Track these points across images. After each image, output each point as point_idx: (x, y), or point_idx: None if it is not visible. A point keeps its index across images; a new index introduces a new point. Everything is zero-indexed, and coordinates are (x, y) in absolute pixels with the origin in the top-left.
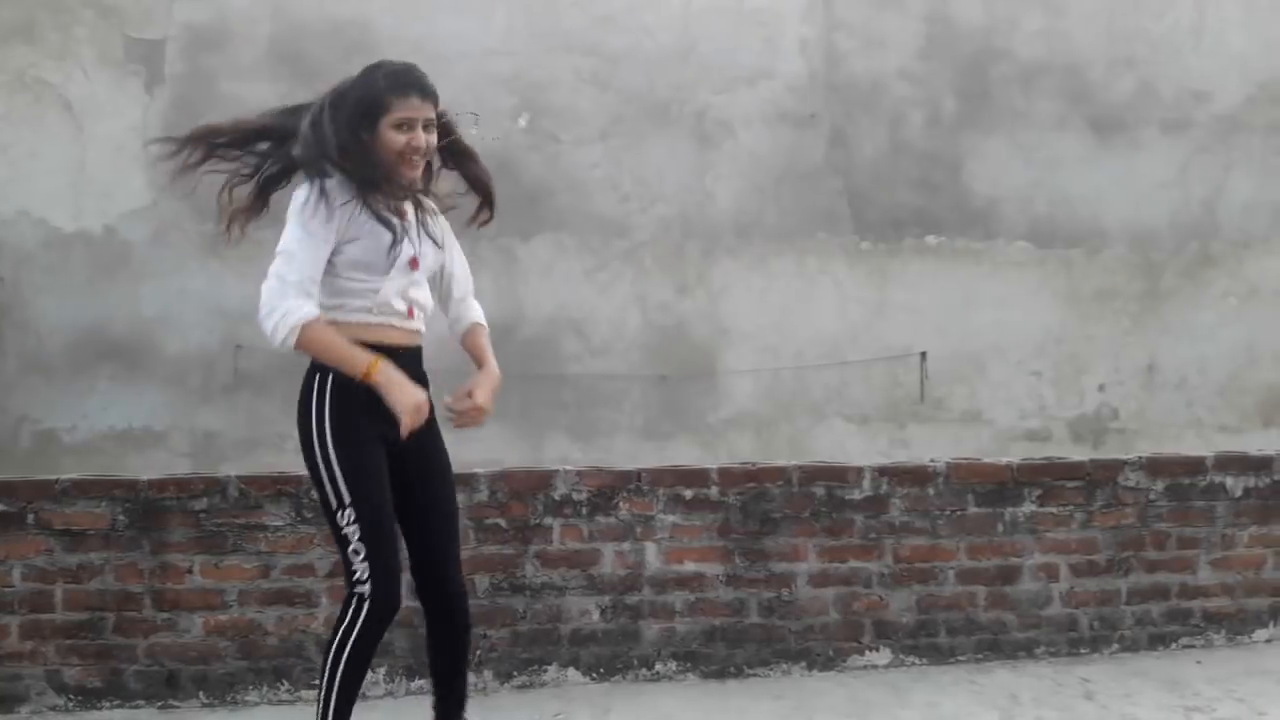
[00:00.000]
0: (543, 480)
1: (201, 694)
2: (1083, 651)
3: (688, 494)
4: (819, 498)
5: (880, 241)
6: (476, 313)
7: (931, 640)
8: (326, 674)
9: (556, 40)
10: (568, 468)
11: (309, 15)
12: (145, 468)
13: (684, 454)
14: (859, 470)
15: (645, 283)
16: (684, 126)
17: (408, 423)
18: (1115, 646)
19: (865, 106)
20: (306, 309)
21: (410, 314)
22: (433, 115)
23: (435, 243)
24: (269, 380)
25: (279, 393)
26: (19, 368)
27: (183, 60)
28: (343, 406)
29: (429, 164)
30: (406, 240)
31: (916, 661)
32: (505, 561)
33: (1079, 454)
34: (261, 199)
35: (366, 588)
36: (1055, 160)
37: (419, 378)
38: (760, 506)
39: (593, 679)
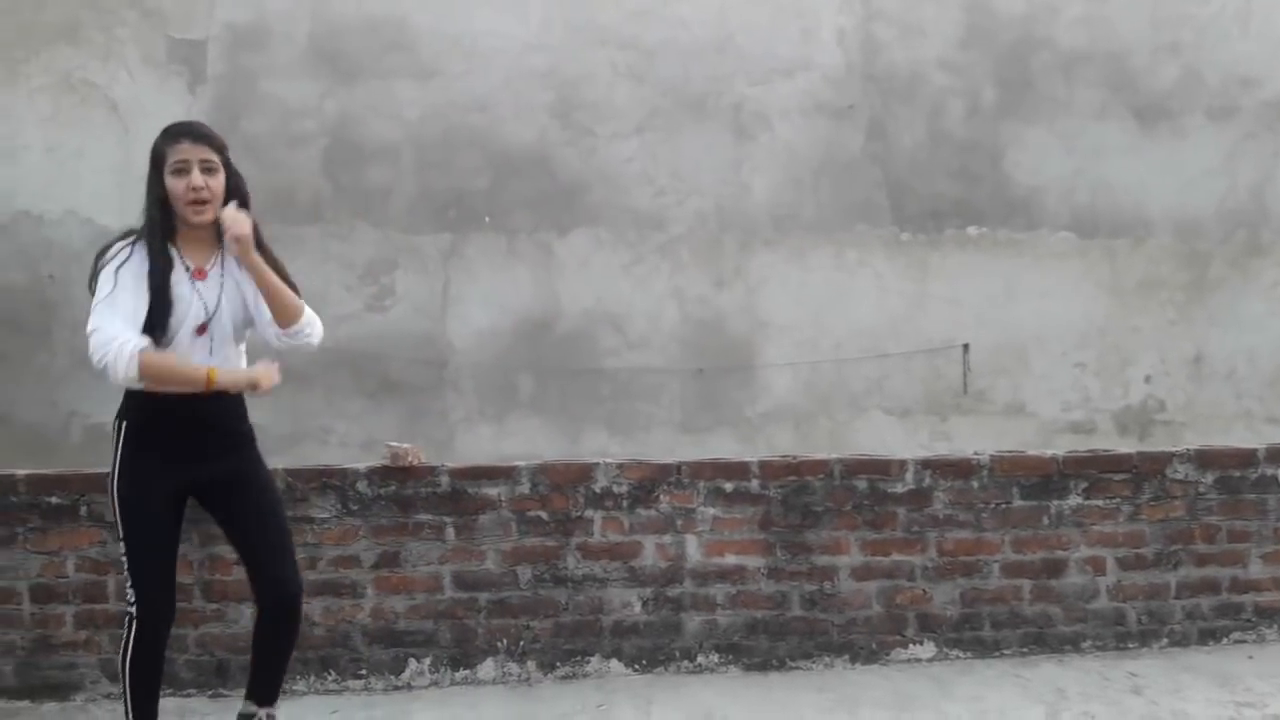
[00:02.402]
0: (583, 473)
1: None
2: (1131, 646)
3: (728, 487)
4: (861, 491)
5: (920, 233)
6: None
7: (976, 633)
8: (124, 687)
9: (592, 34)
10: (608, 460)
11: (347, 13)
12: None
13: (722, 447)
14: (902, 463)
15: (682, 276)
16: (721, 119)
17: (268, 379)
18: (1164, 641)
19: (904, 97)
20: (138, 338)
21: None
22: (212, 157)
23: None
24: (312, 375)
25: (322, 387)
26: (69, 364)
27: (224, 60)
28: (132, 453)
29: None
30: (192, 304)
31: (961, 655)
32: (547, 553)
33: (1124, 446)
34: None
35: (134, 609)
36: (1098, 149)
37: (223, 421)
38: (802, 499)
39: (635, 670)
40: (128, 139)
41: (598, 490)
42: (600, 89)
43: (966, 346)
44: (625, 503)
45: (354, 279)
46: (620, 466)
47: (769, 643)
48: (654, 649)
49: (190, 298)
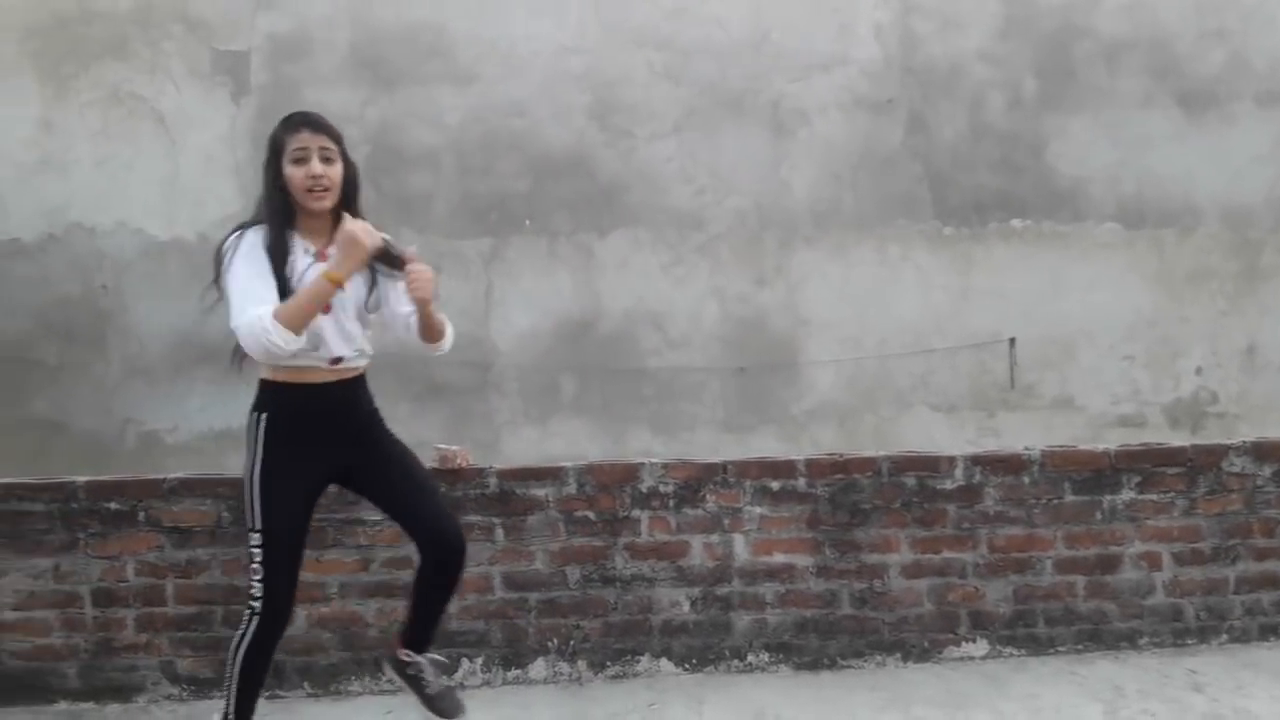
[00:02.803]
0: (629, 473)
1: (306, 684)
2: (1189, 642)
3: (775, 485)
4: (910, 488)
5: (963, 226)
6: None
7: (1030, 631)
8: (231, 674)
9: (629, 35)
10: (653, 460)
11: (387, 20)
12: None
13: (766, 446)
14: (951, 460)
15: (722, 275)
16: (758, 116)
17: (367, 244)
18: (1224, 637)
19: (944, 89)
20: (265, 306)
21: (332, 360)
22: (329, 144)
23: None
24: None
25: (371, 390)
26: (123, 372)
27: (266, 70)
28: (273, 446)
29: (353, 195)
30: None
31: (1014, 652)
32: (595, 553)
33: (1176, 439)
34: None
35: (257, 604)
36: (1143, 138)
37: (354, 405)
38: (849, 497)
39: (685, 670)
40: (174, 150)
41: (644, 490)
42: (638, 90)
43: (1013, 341)
44: (672, 502)
45: None
46: (666, 466)
47: (819, 641)
48: (704, 648)
49: (306, 275)
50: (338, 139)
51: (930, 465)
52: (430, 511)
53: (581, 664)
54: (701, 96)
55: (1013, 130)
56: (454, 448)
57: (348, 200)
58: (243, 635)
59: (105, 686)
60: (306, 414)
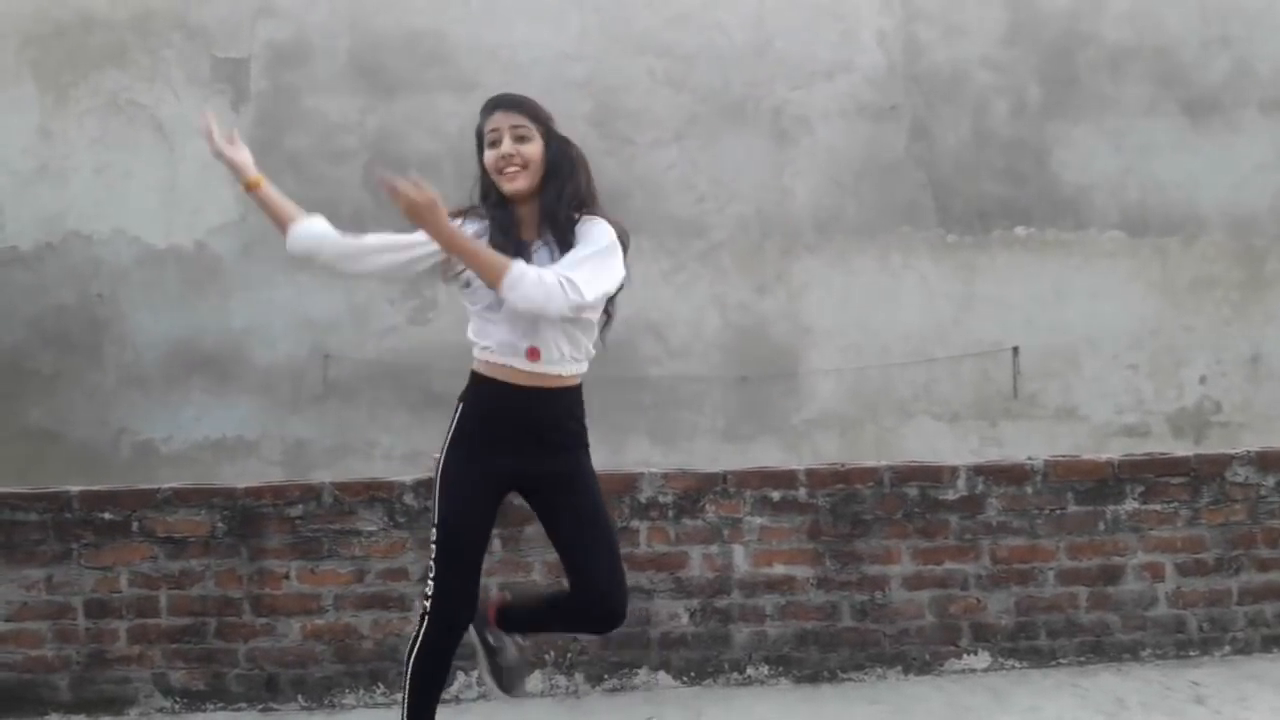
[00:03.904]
0: (628, 483)
1: (300, 697)
2: (1192, 654)
3: (775, 496)
4: (912, 498)
5: (966, 234)
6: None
7: (1032, 643)
8: (404, 679)
9: (630, 42)
10: (652, 470)
11: (386, 27)
12: (238, 476)
13: (766, 456)
14: (953, 470)
15: (723, 283)
16: (760, 124)
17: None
18: (1227, 649)
19: (947, 96)
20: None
21: (532, 356)
22: (522, 121)
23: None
24: (357, 388)
25: (367, 400)
26: (118, 381)
27: (266, 77)
28: (464, 435)
29: (559, 178)
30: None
31: (1016, 665)
32: None
33: (1180, 449)
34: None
35: (428, 604)
36: (1147, 146)
37: (554, 416)
38: (850, 508)
39: (683, 683)
40: (173, 158)
41: (643, 500)
42: (639, 97)
43: (1016, 349)
44: (671, 513)
45: (396, 293)
46: (665, 476)
47: (819, 654)
48: (702, 661)
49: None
50: (535, 115)
51: (932, 475)
52: (603, 574)
53: (579, 677)
54: (703, 103)
55: (1016, 137)
56: None
57: (555, 178)
58: (415, 638)
59: (97, 699)
60: (499, 413)
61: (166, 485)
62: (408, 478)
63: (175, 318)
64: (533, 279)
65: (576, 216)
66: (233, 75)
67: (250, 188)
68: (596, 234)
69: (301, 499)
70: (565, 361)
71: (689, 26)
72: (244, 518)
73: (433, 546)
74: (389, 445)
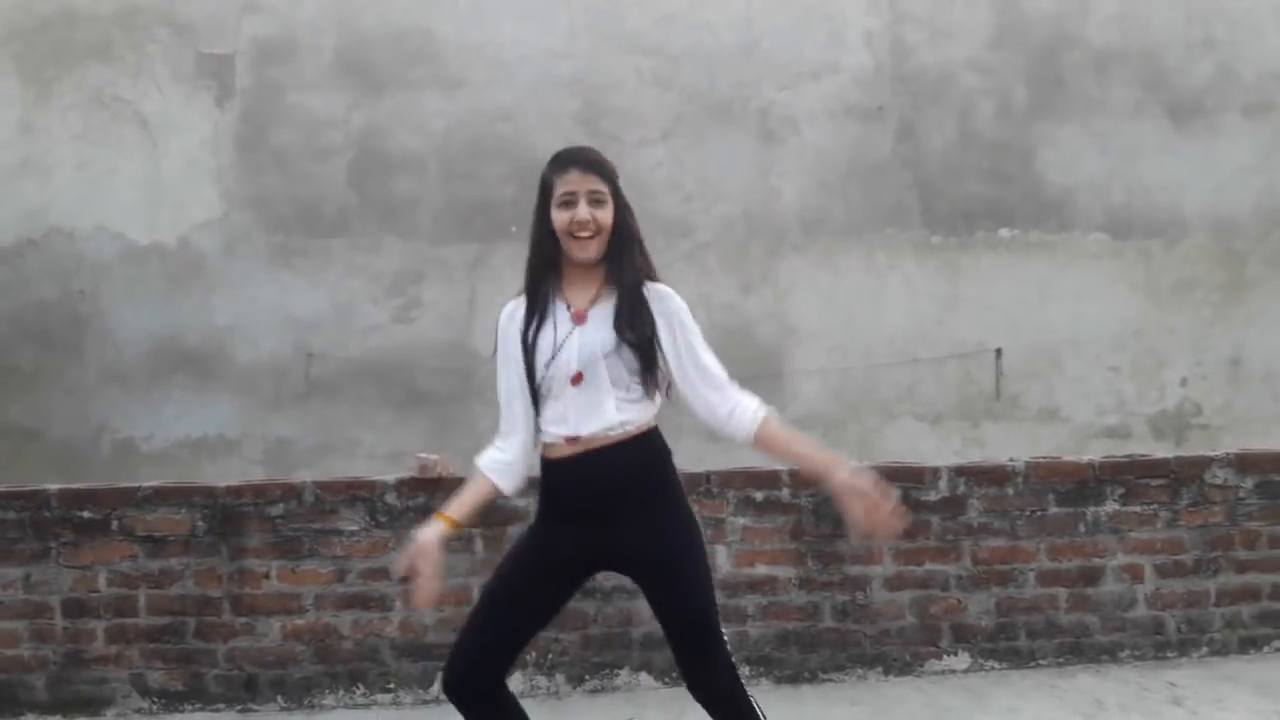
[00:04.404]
0: None
1: (279, 697)
2: (1169, 655)
3: (758, 496)
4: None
5: (951, 235)
6: (745, 409)
7: (1011, 644)
8: None
9: (618, 41)
10: None
11: (373, 25)
12: (220, 475)
13: (751, 456)
14: (935, 470)
15: (709, 283)
16: (747, 124)
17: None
18: (1204, 650)
19: (934, 98)
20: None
21: (568, 439)
22: (601, 188)
23: (630, 336)
24: (340, 387)
25: (350, 399)
26: (99, 378)
27: (251, 74)
28: (540, 510)
29: (623, 242)
30: (562, 351)
31: (996, 666)
32: None
33: (1161, 451)
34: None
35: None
36: (1131, 148)
37: (607, 482)
38: (833, 509)
39: (664, 683)
40: (157, 154)
41: None
42: (626, 96)
43: (999, 351)
44: None
45: (380, 291)
46: None
47: (800, 655)
48: None
49: (561, 344)
50: (610, 178)
51: (914, 476)
52: (684, 658)
53: (560, 677)
54: (690, 103)
55: (1002, 139)
56: (433, 456)
57: (622, 244)
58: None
59: (74, 699)
60: (553, 490)
61: (147, 484)
62: (390, 477)
63: (157, 315)
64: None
65: (643, 282)
66: (218, 71)
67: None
68: (685, 315)
69: (282, 498)
70: (614, 429)
71: (677, 26)
72: (224, 517)
73: None
74: (372, 444)
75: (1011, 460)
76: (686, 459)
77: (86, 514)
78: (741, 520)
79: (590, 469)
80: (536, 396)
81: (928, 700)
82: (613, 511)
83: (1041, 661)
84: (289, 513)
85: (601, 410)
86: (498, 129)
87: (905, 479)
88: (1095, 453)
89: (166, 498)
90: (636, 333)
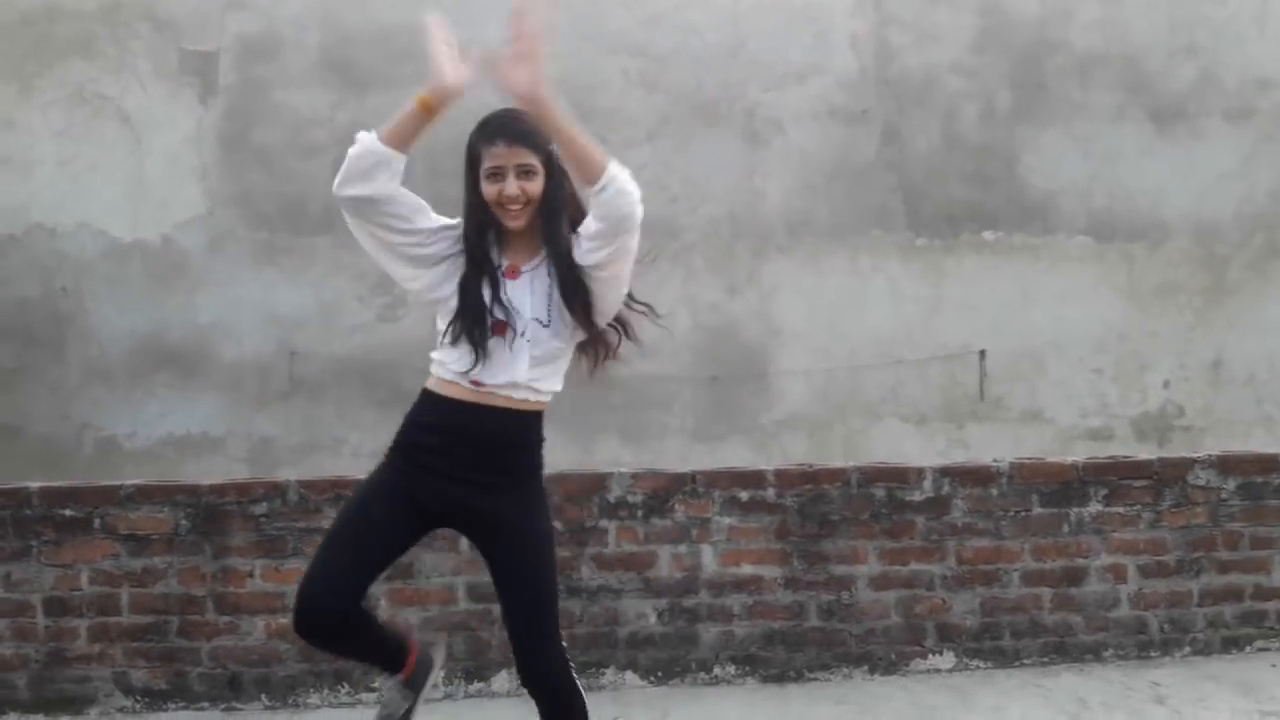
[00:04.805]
0: (597, 483)
1: (264, 696)
2: (1153, 655)
3: (744, 496)
4: (879, 499)
5: (935, 238)
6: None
7: (996, 643)
8: None
9: (604, 41)
10: (622, 470)
11: (358, 22)
12: (203, 473)
13: (736, 456)
14: (920, 471)
15: (694, 283)
16: (733, 125)
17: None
18: (1187, 649)
19: (918, 101)
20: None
21: (473, 383)
22: (529, 160)
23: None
24: (324, 385)
25: (334, 398)
26: (81, 376)
27: (235, 71)
28: (393, 447)
29: (554, 210)
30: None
31: (981, 665)
32: (561, 564)
33: (1143, 452)
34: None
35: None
36: (1114, 152)
37: (495, 443)
38: (818, 508)
39: (650, 682)
40: (139, 151)
41: (612, 500)
42: (612, 96)
43: (983, 353)
44: (640, 513)
45: (365, 290)
46: (635, 476)
47: (786, 654)
48: (670, 660)
49: (494, 296)
50: (540, 147)
51: (899, 476)
52: (523, 633)
53: None
54: (676, 104)
55: (985, 143)
56: None
57: (555, 207)
58: None
59: (56, 698)
60: (440, 430)
61: (129, 482)
62: None
63: (140, 312)
64: (627, 176)
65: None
66: (201, 68)
67: (426, 108)
68: None
69: (266, 496)
70: (519, 390)
71: (663, 27)
72: (208, 515)
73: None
74: (357, 443)
75: (996, 461)
76: (671, 459)
77: (68, 512)
78: (727, 520)
79: (488, 423)
80: (456, 334)
81: (913, 699)
82: (500, 470)
83: (1026, 661)
84: (273, 511)
85: (514, 366)
86: None
87: (890, 479)
88: (1078, 454)
89: (149, 496)
90: (569, 301)
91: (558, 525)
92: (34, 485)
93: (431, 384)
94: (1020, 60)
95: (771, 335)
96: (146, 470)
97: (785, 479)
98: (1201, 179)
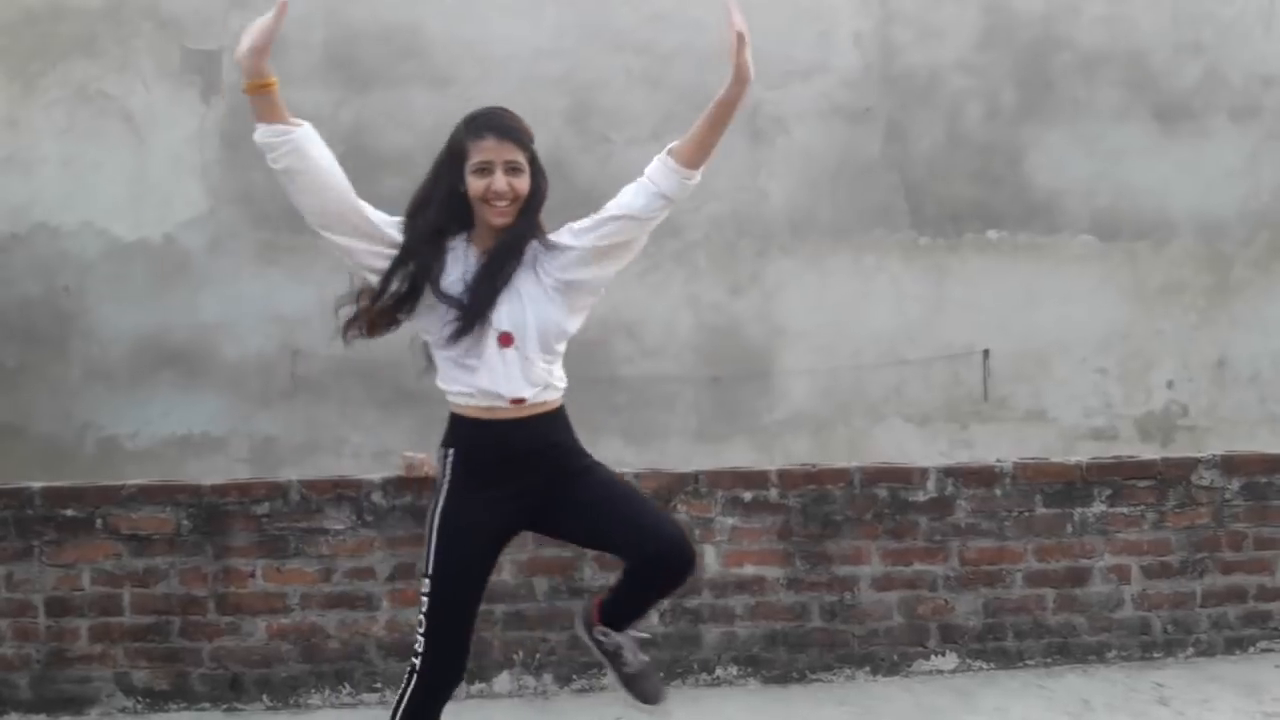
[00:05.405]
0: None
1: (265, 697)
2: (1156, 655)
3: (747, 496)
4: (882, 499)
5: (939, 237)
6: (653, 167)
7: (999, 644)
8: None
9: (607, 39)
10: (625, 470)
11: (362, 20)
12: (205, 473)
13: (739, 456)
14: (923, 471)
15: (698, 283)
16: (736, 123)
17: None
18: (1190, 650)
19: (922, 99)
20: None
21: (513, 401)
22: (517, 157)
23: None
24: (326, 385)
25: (336, 397)
26: (83, 375)
27: (238, 69)
28: (461, 484)
29: (535, 208)
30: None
31: (984, 666)
32: (563, 565)
33: (1147, 452)
34: (388, 317)
35: (417, 661)
36: (1119, 150)
37: (543, 445)
38: (821, 509)
39: None
40: (143, 150)
41: None
42: (615, 94)
43: (987, 352)
44: None
45: None
46: (637, 476)
47: (789, 655)
48: (672, 661)
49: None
50: (527, 145)
51: (902, 477)
52: (639, 523)
53: (547, 677)
54: (680, 102)
55: (990, 141)
56: (420, 455)
57: (534, 205)
58: (401, 696)
59: (57, 698)
60: (493, 455)
61: (131, 482)
62: (376, 476)
63: (143, 312)
64: None
65: (544, 233)
66: (204, 67)
67: (254, 90)
68: (585, 224)
69: (268, 497)
70: (546, 392)
71: (666, 24)
72: (209, 515)
73: (423, 598)
74: (359, 443)
75: (999, 461)
76: (674, 459)
77: (70, 512)
78: (730, 520)
79: (536, 431)
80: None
81: (915, 700)
82: (556, 469)
83: (1029, 662)
84: (274, 511)
85: (532, 372)
86: None
87: (893, 479)
88: (1082, 454)
89: (151, 496)
90: (562, 297)
91: None
92: (36, 485)
93: (469, 412)
94: (1025, 58)
95: (774, 335)
96: (148, 470)
97: (788, 479)
98: (1207, 177)
